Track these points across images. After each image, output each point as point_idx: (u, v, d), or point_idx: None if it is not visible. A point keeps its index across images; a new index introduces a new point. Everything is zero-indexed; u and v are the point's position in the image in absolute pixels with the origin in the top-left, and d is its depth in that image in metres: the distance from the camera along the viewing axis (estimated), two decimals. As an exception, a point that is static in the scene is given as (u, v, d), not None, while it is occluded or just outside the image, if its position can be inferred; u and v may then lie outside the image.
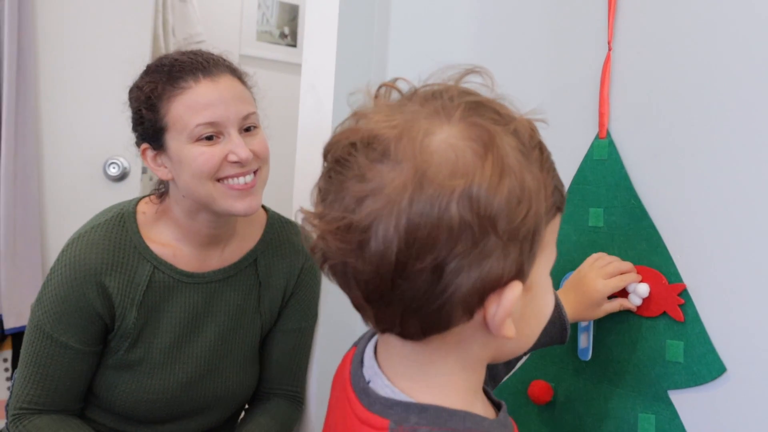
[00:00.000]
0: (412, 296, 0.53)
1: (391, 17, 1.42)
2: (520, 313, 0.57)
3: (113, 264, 1.11)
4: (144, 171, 2.05)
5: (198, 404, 1.20)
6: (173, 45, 2.57)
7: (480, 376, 0.63)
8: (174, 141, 1.08)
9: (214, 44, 1.23)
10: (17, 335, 1.92)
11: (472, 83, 0.60)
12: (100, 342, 1.14)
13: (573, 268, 1.06)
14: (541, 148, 0.58)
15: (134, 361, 1.14)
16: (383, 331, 0.59)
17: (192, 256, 1.18)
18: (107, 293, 1.11)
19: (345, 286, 0.57)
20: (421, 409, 0.57)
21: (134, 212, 1.16)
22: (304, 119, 1.43)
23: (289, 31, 2.92)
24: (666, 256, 0.96)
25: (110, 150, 1.95)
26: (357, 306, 0.59)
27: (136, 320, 1.13)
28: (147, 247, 1.14)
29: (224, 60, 1.14)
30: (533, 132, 0.58)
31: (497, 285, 0.53)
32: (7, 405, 1.15)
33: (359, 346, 0.68)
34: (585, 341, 1.04)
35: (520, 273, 0.54)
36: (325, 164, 0.58)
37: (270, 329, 1.28)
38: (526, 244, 0.54)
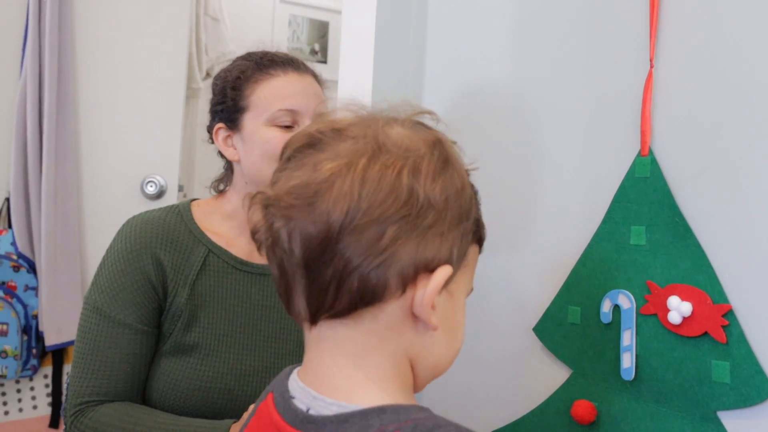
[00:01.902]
0: (353, 252, 0.56)
1: (427, 35, 1.42)
2: (443, 315, 0.61)
3: (168, 241, 1.15)
4: (180, 189, 2.07)
5: (253, 401, 1.17)
6: (206, 63, 2.62)
7: (410, 376, 0.63)
8: (251, 121, 1.14)
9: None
10: (57, 352, 1.95)
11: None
12: (156, 323, 1.15)
13: (614, 287, 1.05)
14: (471, 182, 0.65)
15: (189, 345, 1.14)
16: (313, 314, 0.60)
17: (244, 247, 1.20)
18: (162, 266, 1.13)
19: (285, 251, 0.59)
20: (380, 411, 0.57)
21: (188, 205, 1.22)
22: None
23: (319, 48, 2.95)
24: (711, 275, 0.95)
25: (147, 168, 1.98)
26: (286, 284, 0.61)
27: (188, 300, 1.14)
28: (202, 233, 1.18)
29: (309, 66, 1.21)
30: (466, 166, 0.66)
31: (429, 265, 0.58)
32: (64, 408, 1.14)
33: (275, 390, 0.66)
34: (628, 361, 1.03)
35: (450, 261, 0.59)
36: (284, 157, 0.63)
37: None
38: (458, 235, 0.60)
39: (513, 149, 1.26)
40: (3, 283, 1.83)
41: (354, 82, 1.43)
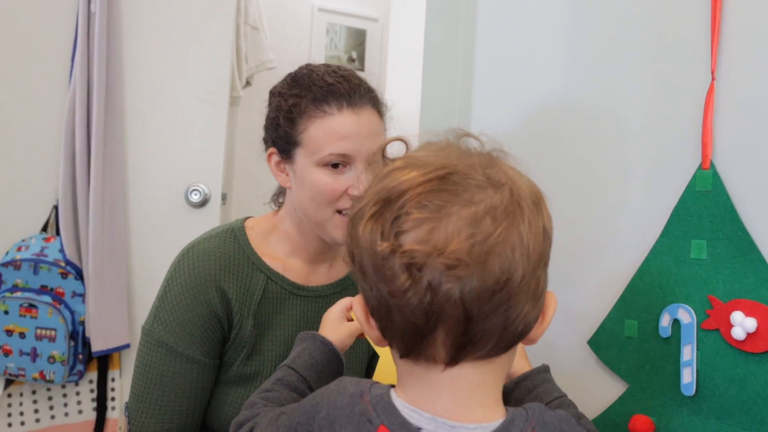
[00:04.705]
0: (523, 301, 0.60)
1: (476, 47, 1.42)
2: None
3: (230, 270, 1.12)
4: (223, 198, 2.09)
5: None
6: (246, 72, 2.64)
7: None
8: (302, 158, 1.10)
9: (285, 70, 1.21)
10: (102, 358, 1.98)
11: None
12: (219, 355, 1.13)
13: (673, 301, 1.04)
14: None
15: (249, 374, 1.13)
16: (458, 357, 0.61)
17: (300, 270, 1.19)
18: (227, 298, 1.11)
19: (450, 304, 0.58)
20: (509, 422, 0.64)
21: (243, 228, 1.19)
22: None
23: (356, 56, 2.96)
24: (776, 290, 0.94)
25: (192, 177, 2.00)
26: (426, 331, 0.60)
27: (252, 329, 1.12)
28: (260, 259, 1.16)
29: (369, 90, 1.13)
30: None
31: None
32: None
33: (387, 423, 0.64)
34: (688, 376, 1.02)
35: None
36: (394, 206, 0.60)
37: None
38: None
39: (569, 161, 1.25)
40: (52, 289, 1.86)
41: (401, 92, 1.44)
